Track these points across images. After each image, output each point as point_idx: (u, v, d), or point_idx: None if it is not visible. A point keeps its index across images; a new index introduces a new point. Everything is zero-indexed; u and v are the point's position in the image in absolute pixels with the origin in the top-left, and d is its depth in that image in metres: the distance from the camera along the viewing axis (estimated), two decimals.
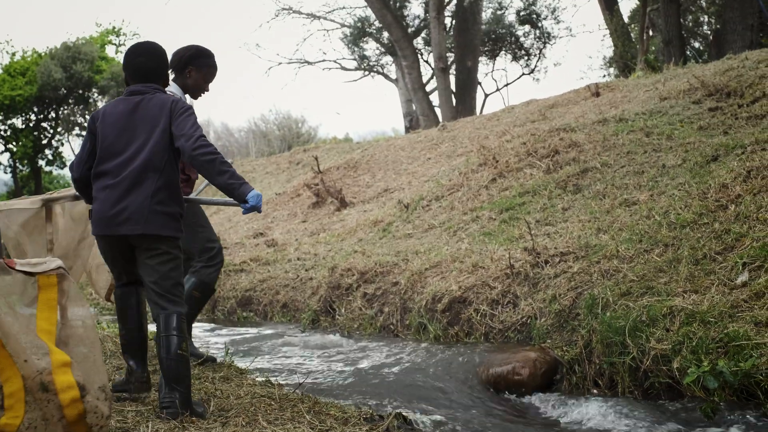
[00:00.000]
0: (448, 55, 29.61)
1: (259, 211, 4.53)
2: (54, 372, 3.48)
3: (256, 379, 5.72)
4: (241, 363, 6.88)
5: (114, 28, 51.58)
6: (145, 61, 4.87)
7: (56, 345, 3.59)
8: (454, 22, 30.58)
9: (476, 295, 7.32)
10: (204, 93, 6.33)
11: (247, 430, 4.11)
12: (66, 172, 65.79)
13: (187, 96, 6.23)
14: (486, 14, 34.94)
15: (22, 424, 3.41)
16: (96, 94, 47.92)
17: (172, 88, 6.13)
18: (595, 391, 5.78)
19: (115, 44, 51.32)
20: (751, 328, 5.09)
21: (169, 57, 5.31)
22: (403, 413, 4.82)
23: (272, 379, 5.76)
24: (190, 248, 6.18)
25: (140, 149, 4.54)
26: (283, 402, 4.80)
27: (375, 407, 5.17)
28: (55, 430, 3.45)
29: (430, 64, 34.45)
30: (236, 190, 4.47)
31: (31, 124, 47.74)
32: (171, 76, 6.21)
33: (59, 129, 49.43)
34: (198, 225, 6.24)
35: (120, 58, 49.03)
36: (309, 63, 37.36)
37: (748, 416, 4.76)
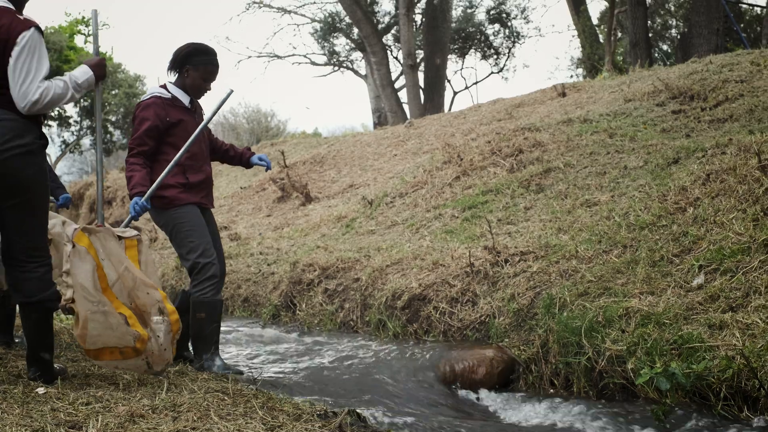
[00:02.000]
0: (417, 52, 29.63)
1: None
2: (164, 301, 5.04)
3: (211, 373, 5.68)
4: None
5: (83, 18, 51.14)
6: None
7: None
8: (423, 19, 30.58)
9: (436, 293, 7.32)
10: (206, 93, 6.13)
11: (198, 425, 4.07)
12: None
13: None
14: (456, 12, 35.00)
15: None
16: None
17: (172, 90, 6.01)
18: (551, 390, 5.80)
19: (84, 34, 50.93)
20: (705, 331, 5.12)
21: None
22: (357, 410, 4.80)
23: (227, 374, 5.73)
24: (182, 263, 5.97)
25: None
26: (237, 397, 4.77)
27: (329, 404, 5.15)
28: (166, 340, 5.04)
29: (399, 61, 34.48)
30: None
31: None
32: (173, 77, 6.09)
33: None
34: (186, 236, 5.89)
35: (89, 48, 48.64)
36: (279, 57, 37.26)
37: (699, 419, 4.78)
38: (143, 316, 5.00)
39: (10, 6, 4.71)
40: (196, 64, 5.97)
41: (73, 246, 4.77)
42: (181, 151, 5.80)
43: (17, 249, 4.69)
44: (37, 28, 4.63)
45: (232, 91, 6.09)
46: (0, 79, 4.58)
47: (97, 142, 5.52)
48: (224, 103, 6.06)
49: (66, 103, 4.80)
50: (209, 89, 6.14)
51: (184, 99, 6.06)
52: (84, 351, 4.94)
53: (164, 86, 6.06)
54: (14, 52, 4.55)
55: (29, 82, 4.54)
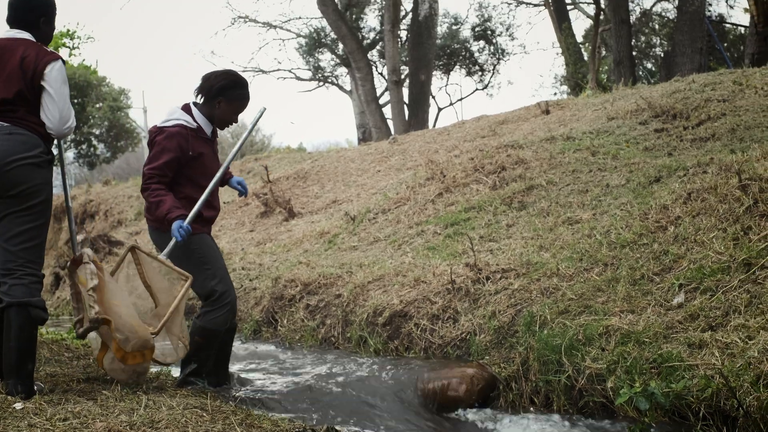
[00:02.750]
0: (402, 68, 29.67)
1: None
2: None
3: (191, 389, 5.66)
4: (178, 372, 6.83)
5: (68, 30, 50.92)
6: None
7: None
8: (408, 35, 30.64)
9: (417, 310, 7.31)
10: (232, 124, 6.09)
11: None
12: None
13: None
14: (441, 29, 35.11)
15: None
16: None
17: (198, 117, 5.91)
18: (531, 408, 5.79)
19: (69, 47, 50.77)
20: (685, 350, 5.13)
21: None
22: (336, 427, 4.80)
23: (207, 390, 5.70)
24: (195, 288, 5.88)
25: None
26: (216, 413, 4.75)
27: (308, 421, 5.15)
28: None
29: (384, 77, 34.52)
30: None
31: None
32: (198, 99, 6.00)
33: None
34: (204, 262, 5.86)
35: (74, 61, 48.50)
36: (264, 72, 37.27)
37: None
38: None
39: (31, 38, 5.31)
40: (230, 98, 5.92)
41: (93, 263, 5.12)
42: (217, 175, 5.90)
43: (10, 258, 4.96)
44: (63, 60, 5.23)
45: (264, 109, 6.18)
46: (16, 101, 5.12)
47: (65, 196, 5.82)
48: (257, 123, 6.19)
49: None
50: (236, 122, 6.13)
51: (207, 129, 5.98)
52: (120, 356, 5.17)
53: (188, 109, 5.96)
54: (51, 81, 5.14)
55: (68, 108, 5.16)
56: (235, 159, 30.05)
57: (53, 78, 5.14)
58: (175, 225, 5.54)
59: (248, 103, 6.04)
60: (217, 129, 6.11)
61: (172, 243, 5.59)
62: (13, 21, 5.37)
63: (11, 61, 5.15)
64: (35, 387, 5.02)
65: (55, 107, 5.13)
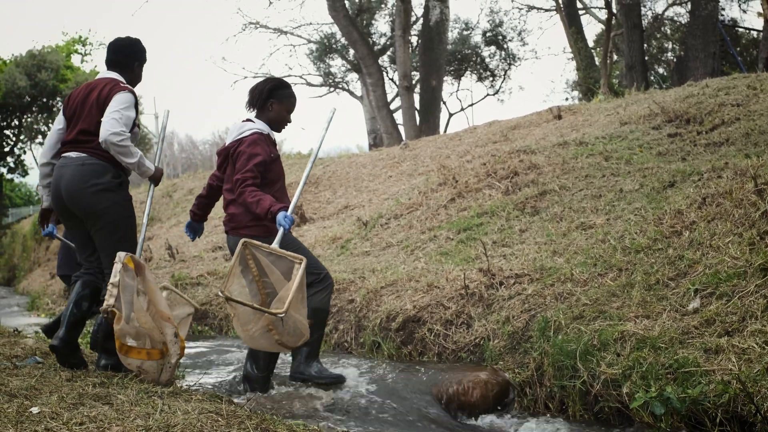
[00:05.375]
0: (413, 73, 29.68)
1: None
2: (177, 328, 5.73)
3: (206, 394, 5.65)
4: (193, 377, 6.83)
5: (80, 37, 51.31)
6: None
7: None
8: (419, 41, 30.64)
9: (430, 315, 7.30)
10: (287, 126, 6.40)
11: None
12: (27, 180, 65.35)
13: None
14: (452, 34, 35.13)
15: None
16: (60, 103, 47.65)
17: (261, 125, 6.18)
18: (546, 414, 5.77)
19: (81, 53, 51.03)
20: (701, 355, 5.10)
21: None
22: None
23: (222, 395, 5.70)
24: None
25: None
26: (231, 418, 4.74)
27: (323, 426, 5.13)
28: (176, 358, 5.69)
29: (395, 82, 34.56)
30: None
31: None
32: (252, 113, 6.31)
33: (22, 137, 49.04)
34: (299, 251, 6.06)
35: (86, 67, 48.75)
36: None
37: None
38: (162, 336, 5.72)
39: (118, 77, 6.14)
40: (280, 98, 6.25)
41: (123, 265, 5.57)
42: (306, 171, 6.29)
43: (106, 264, 5.91)
44: (132, 92, 5.98)
45: (335, 110, 6.50)
46: (94, 132, 5.88)
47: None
48: (330, 125, 6.43)
49: (127, 161, 5.85)
50: (290, 121, 6.41)
51: (272, 134, 6.29)
52: (117, 347, 5.58)
53: (249, 121, 6.25)
54: (112, 102, 5.83)
55: (116, 119, 5.74)
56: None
57: (114, 99, 5.85)
58: (280, 215, 5.76)
59: (296, 101, 6.39)
60: (278, 132, 6.42)
61: (281, 232, 5.81)
62: (109, 63, 6.25)
63: (92, 96, 5.96)
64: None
65: (106, 119, 5.75)
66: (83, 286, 6.06)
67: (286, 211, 5.81)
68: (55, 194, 6.01)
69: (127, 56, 6.25)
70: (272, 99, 6.21)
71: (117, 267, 5.52)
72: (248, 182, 5.90)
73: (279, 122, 6.30)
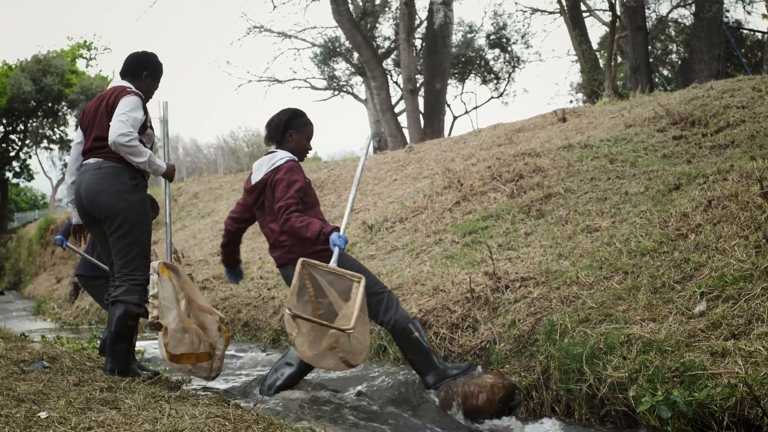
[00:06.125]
0: (417, 76, 29.68)
1: None
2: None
3: (213, 398, 5.66)
4: (198, 382, 6.83)
5: (85, 42, 51.44)
6: None
7: None
8: (423, 44, 30.66)
9: (436, 319, 7.30)
10: (308, 152, 6.49)
11: None
12: (33, 184, 65.46)
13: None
14: (456, 37, 35.17)
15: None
16: (65, 108, 47.75)
17: (287, 154, 6.25)
18: (552, 417, 5.77)
19: (86, 58, 51.16)
20: (707, 358, 5.09)
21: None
22: None
23: (229, 399, 5.71)
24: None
25: None
26: (238, 423, 4.75)
27: (330, 429, 5.13)
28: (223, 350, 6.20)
29: (399, 86, 34.60)
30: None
31: None
32: (274, 146, 6.40)
33: (27, 141, 49.13)
34: (358, 270, 6.11)
35: (91, 71, 48.89)
36: (279, 81, 37.41)
37: None
38: (206, 332, 6.14)
39: (127, 84, 6.33)
40: (297, 127, 6.34)
41: (158, 275, 5.83)
42: (352, 193, 6.46)
43: (117, 269, 6.08)
44: (138, 95, 6.15)
45: (370, 137, 6.82)
46: (106, 136, 6.03)
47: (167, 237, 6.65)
48: (368, 150, 6.62)
49: (136, 161, 5.97)
50: (311, 148, 6.47)
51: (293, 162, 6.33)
52: (168, 357, 5.87)
53: (276, 152, 6.33)
54: (119, 106, 6.01)
55: (122, 121, 5.90)
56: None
57: (121, 103, 6.03)
58: (334, 236, 5.83)
59: (313, 128, 6.47)
60: (300, 161, 6.47)
61: (336, 252, 5.87)
62: (122, 73, 6.47)
63: (102, 105, 6.18)
64: (147, 371, 6.52)
65: (113, 122, 5.92)
66: (114, 306, 6.12)
67: (338, 231, 5.86)
68: (78, 200, 6.24)
69: (137, 65, 6.44)
70: (290, 130, 6.29)
71: (153, 278, 5.81)
72: (292, 208, 5.92)
73: (300, 151, 6.36)
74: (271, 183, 6.12)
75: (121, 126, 5.86)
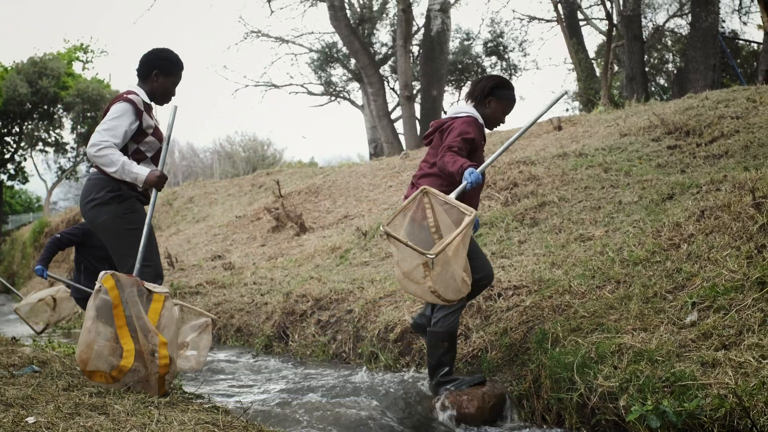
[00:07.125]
0: (414, 83, 29.71)
1: None
2: (159, 346, 5.49)
3: (203, 404, 5.65)
4: (190, 387, 6.82)
5: (82, 44, 51.41)
6: None
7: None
8: (421, 51, 30.68)
9: None
10: (500, 125, 6.35)
11: None
12: (28, 187, 65.35)
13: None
14: (453, 44, 35.18)
15: (132, 366, 5.46)
16: (61, 110, 47.71)
17: (473, 112, 6.15)
18: (543, 426, 5.77)
19: (83, 61, 51.11)
20: (698, 368, 5.09)
21: None
22: None
23: (219, 405, 5.70)
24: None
25: None
26: (227, 429, 4.74)
27: None
28: (150, 372, 5.51)
29: (396, 92, 34.59)
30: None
31: None
32: (470, 104, 6.26)
33: (22, 144, 49.07)
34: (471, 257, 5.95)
35: (88, 74, 48.85)
36: (276, 86, 37.40)
37: None
38: (143, 354, 5.59)
39: (131, 88, 6.23)
40: (500, 98, 6.20)
41: (99, 287, 5.50)
42: (516, 136, 6.08)
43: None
44: (129, 101, 6.03)
45: (566, 92, 6.84)
46: None
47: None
48: (556, 102, 6.24)
49: (108, 171, 5.88)
50: (504, 122, 6.34)
51: (485, 126, 6.28)
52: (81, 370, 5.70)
53: (464, 107, 6.25)
54: (106, 115, 5.98)
55: (99, 131, 5.87)
56: (246, 173, 30.10)
57: (110, 110, 6.00)
58: (468, 171, 5.63)
59: (515, 104, 6.32)
60: (489, 129, 6.42)
61: (461, 186, 5.68)
62: (137, 74, 6.35)
63: (103, 109, 6.13)
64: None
65: (95, 132, 5.90)
66: None
67: (476, 169, 5.71)
68: None
69: (145, 66, 6.32)
70: (492, 97, 6.17)
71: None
72: (454, 149, 5.83)
73: (493, 120, 6.25)
74: (446, 127, 6.09)
75: (95, 136, 5.84)
